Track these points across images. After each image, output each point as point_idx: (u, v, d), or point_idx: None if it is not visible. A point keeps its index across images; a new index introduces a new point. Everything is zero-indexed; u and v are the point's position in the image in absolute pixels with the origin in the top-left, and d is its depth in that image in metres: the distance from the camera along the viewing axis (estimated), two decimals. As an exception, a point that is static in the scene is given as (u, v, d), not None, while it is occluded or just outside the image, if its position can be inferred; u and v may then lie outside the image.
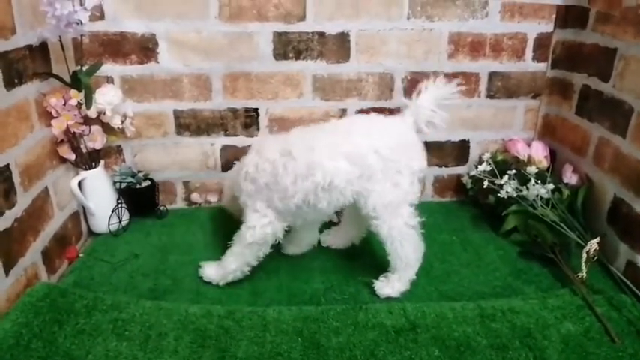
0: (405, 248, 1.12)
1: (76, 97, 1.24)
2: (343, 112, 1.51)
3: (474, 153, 1.59)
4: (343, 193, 1.08)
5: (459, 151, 1.59)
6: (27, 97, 1.15)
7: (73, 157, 1.31)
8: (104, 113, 1.32)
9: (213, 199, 1.58)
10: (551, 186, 1.28)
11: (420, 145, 1.15)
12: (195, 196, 1.57)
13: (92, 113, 1.29)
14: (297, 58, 1.44)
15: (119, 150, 1.48)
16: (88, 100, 1.26)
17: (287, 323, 1.03)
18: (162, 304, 1.07)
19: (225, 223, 1.47)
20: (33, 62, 1.16)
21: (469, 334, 1.01)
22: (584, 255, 1.14)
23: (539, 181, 1.29)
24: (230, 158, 1.52)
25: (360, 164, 1.06)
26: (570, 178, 1.39)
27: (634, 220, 1.16)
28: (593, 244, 1.14)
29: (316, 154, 1.06)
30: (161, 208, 1.51)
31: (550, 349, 0.97)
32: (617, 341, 0.99)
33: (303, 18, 1.39)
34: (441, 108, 1.13)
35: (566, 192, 1.33)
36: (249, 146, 1.49)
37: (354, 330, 1.02)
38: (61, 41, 1.22)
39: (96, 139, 1.33)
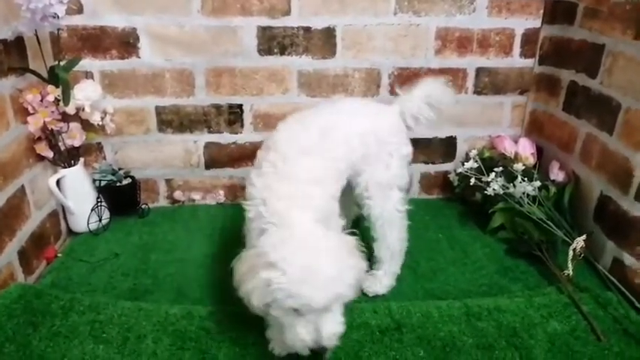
0: (393, 234, 1.12)
1: (53, 92, 1.21)
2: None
3: (460, 150, 1.58)
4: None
5: (446, 147, 1.58)
6: (2, 92, 1.12)
7: (50, 154, 1.27)
8: (83, 109, 1.28)
9: (196, 196, 1.55)
10: (537, 183, 1.27)
11: (406, 132, 1.16)
12: (178, 194, 1.54)
13: (70, 109, 1.25)
14: (282, 53, 1.41)
15: (99, 147, 1.45)
16: (66, 96, 1.22)
17: (270, 324, 1.01)
18: (142, 305, 1.05)
19: (209, 221, 1.45)
20: (8, 57, 1.13)
21: (455, 334, 0.99)
22: (571, 252, 1.13)
23: (525, 178, 1.28)
24: (214, 155, 1.50)
25: (364, 144, 1.07)
26: (557, 175, 1.38)
27: (621, 217, 1.15)
28: (579, 241, 1.13)
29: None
30: (143, 206, 1.48)
31: (536, 349, 0.96)
32: (603, 340, 0.98)
33: (288, 12, 1.37)
34: (430, 108, 1.14)
35: (552, 189, 1.32)
36: (233, 143, 1.49)
37: (338, 330, 1.00)
38: (37, 35, 1.18)
39: (74, 136, 1.30)
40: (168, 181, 1.53)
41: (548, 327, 1.01)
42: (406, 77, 1.46)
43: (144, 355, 0.93)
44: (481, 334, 1.00)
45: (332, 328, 0.81)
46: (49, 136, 1.26)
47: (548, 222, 1.23)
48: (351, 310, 1.04)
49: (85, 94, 1.28)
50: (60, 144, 1.28)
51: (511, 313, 1.05)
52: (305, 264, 0.79)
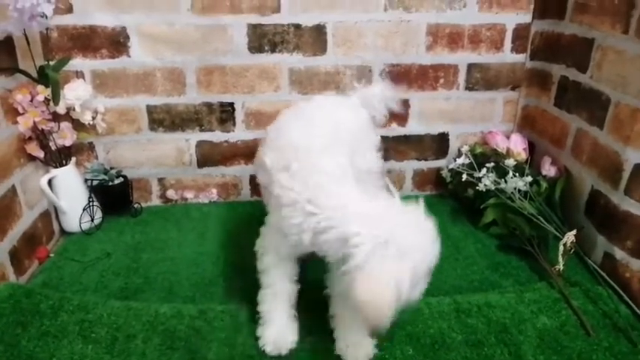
0: None
1: (43, 92, 1.21)
2: (321, 106, 1.48)
3: (453, 146, 1.57)
4: None
5: (439, 144, 1.57)
6: (-9, 93, 1.12)
7: (41, 154, 1.27)
8: (73, 109, 1.28)
9: (189, 195, 1.55)
10: (529, 178, 1.27)
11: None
12: (170, 193, 1.54)
13: (61, 109, 1.26)
14: (272, 50, 1.41)
15: (91, 147, 1.45)
16: (56, 96, 1.22)
17: (260, 323, 1.01)
18: (132, 305, 1.05)
19: (202, 220, 1.45)
20: (-3, 57, 1.13)
21: (444, 331, 0.99)
22: (561, 247, 1.13)
23: (517, 174, 1.28)
24: (206, 154, 1.50)
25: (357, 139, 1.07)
26: (549, 170, 1.38)
27: (611, 211, 1.15)
28: (570, 236, 1.13)
29: None
30: (135, 205, 1.48)
31: (525, 345, 0.96)
32: (592, 334, 0.98)
33: (277, 10, 1.36)
34: (384, 105, 1.21)
35: (544, 184, 1.32)
36: (225, 142, 1.48)
37: (328, 328, 1.00)
38: (26, 35, 1.18)
39: (65, 136, 1.30)
40: (160, 180, 1.53)
41: (537, 322, 1.01)
42: (398, 74, 1.46)
43: (133, 354, 0.93)
44: (470, 330, 1.00)
45: None
46: (40, 136, 1.26)
47: (539, 217, 1.23)
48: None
49: (76, 93, 1.28)
50: (51, 144, 1.28)
51: (501, 308, 1.05)
52: None
